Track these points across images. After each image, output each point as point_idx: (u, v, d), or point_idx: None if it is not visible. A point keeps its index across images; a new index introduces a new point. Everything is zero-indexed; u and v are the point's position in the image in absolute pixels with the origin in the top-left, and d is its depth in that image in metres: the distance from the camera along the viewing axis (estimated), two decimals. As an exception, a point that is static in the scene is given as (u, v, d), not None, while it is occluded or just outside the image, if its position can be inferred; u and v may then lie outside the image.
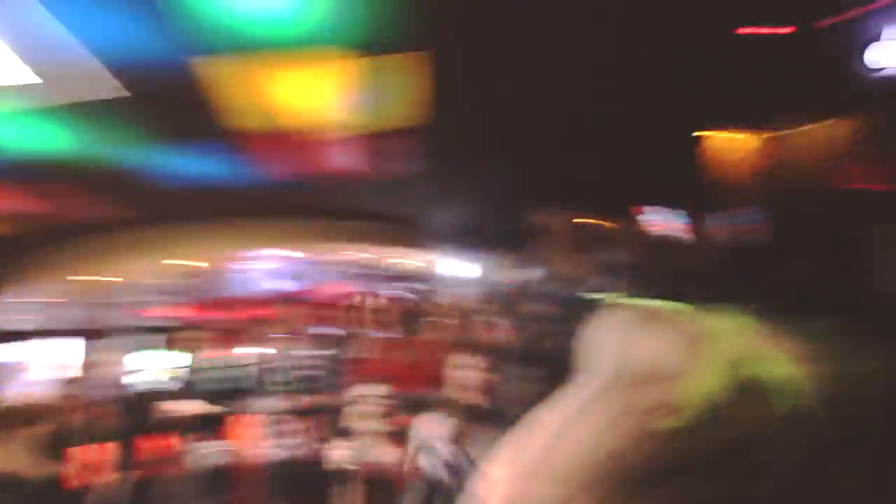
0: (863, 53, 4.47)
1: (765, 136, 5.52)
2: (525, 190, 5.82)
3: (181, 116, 4.23)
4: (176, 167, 5.07)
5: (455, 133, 5.00)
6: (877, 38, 4.35)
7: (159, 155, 4.83)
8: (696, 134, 6.01)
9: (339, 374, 3.54)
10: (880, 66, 4.34)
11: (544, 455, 0.84)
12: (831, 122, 4.71)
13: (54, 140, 4.25)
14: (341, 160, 5.33)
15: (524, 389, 2.43)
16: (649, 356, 0.79)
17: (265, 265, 6.53)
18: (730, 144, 5.89)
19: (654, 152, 6.09)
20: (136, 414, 3.43)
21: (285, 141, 4.87)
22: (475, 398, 2.43)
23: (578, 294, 1.04)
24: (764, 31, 4.18)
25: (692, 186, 6.17)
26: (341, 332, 4.81)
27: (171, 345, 4.23)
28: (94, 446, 3.49)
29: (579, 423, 0.80)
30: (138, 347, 4.06)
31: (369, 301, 3.96)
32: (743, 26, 4.16)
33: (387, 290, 5.81)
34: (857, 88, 4.52)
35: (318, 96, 4.24)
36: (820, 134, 4.72)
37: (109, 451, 3.34)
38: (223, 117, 4.28)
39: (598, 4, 3.68)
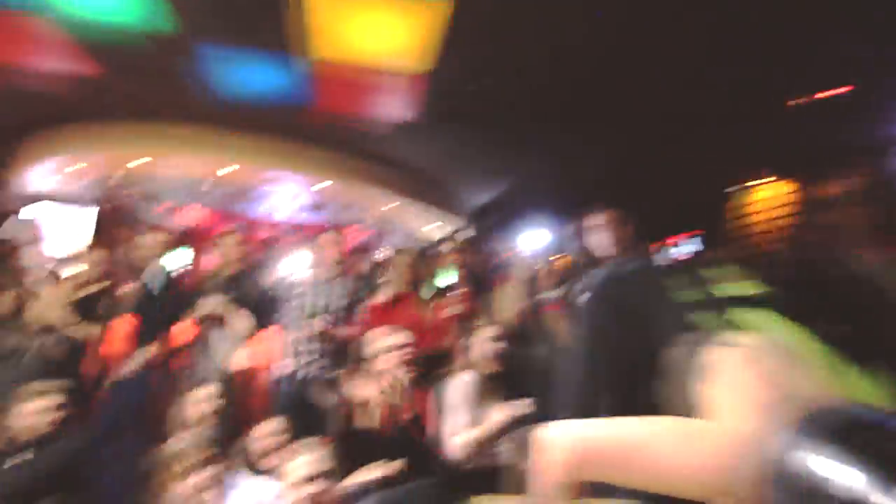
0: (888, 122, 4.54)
1: (797, 187, 5.62)
2: (575, 184, 5.89)
3: (255, 25, 4.23)
4: (238, 75, 5.09)
5: (522, 105, 5.03)
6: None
7: (226, 59, 4.84)
8: (734, 181, 6.13)
9: (364, 314, 3.66)
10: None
11: (625, 450, 0.84)
12: (855, 180, 4.81)
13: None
14: (397, 103, 5.35)
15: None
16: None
17: (300, 192, 6.62)
18: (765, 192, 5.97)
19: (697, 194, 6.20)
20: (164, 299, 3.55)
21: (350, 73, 4.88)
22: (495, 367, 2.57)
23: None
24: (812, 94, 4.27)
25: (726, 226, 6.29)
26: (357, 273, 4.94)
27: (198, 245, 4.31)
28: (123, 319, 3.64)
29: (682, 445, 0.79)
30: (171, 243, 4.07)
31: (398, 253, 4.05)
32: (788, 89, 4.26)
33: (415, 246, 5.91)
34: (882, 153, 4.63)
35: (395, 35, 4.24)
36: (844, 191, 4.80)
37: (137, 327, 3.48)
38: (297, 37, 4.28)
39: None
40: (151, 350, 3.34)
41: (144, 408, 3.24)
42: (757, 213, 6.33)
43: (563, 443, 0.90)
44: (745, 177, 6.29)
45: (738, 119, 4.70)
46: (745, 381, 0.82)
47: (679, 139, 5.31)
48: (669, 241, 5.86)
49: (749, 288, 1.05)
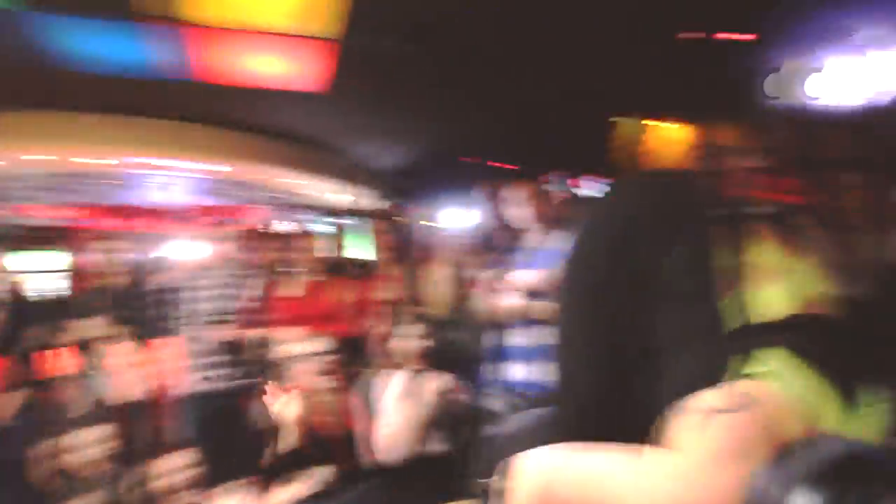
0: (762, 79, 4.68)
1: (665, 127, 5.78)
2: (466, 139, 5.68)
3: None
4: (85, 46, 4.38)
5: (408, 62, 4.69)
6: (776, 69, 4.55)
7: (65, 28, 4.13)
8: (611, 118, 6.19)
9: (263, 310, 3.31)
10: (774, 94, 4.58)
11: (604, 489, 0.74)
12: (727, 125, 4.95)
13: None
14: (284, 69, 4.83)
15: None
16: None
17: (173, 174, 5.94)
18: (640, 132, 6.10)
19: (573, 129, 6.20)
20: (24, 323, 3.03)
21: (225, 37, 4.32)
22: (421, 363, 2.42)
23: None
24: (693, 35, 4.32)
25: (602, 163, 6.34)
26: (261, 262, 4.52)
27: (62, 249, 3.74)
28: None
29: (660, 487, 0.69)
30: (20, 248, 3.49)
31: (295, 235, 3.72)
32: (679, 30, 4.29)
33: (315, 225, 5.52)
34: (754, 106, 4.81)
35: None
36: (714, 133, 4.94)
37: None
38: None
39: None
40: (20, 391, 2.83)
41: (17, 462, 2.76)
42: (646, 153, 6.41)
43: (532, 475, 0.82)
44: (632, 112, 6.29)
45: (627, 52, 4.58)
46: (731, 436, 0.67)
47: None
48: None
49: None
